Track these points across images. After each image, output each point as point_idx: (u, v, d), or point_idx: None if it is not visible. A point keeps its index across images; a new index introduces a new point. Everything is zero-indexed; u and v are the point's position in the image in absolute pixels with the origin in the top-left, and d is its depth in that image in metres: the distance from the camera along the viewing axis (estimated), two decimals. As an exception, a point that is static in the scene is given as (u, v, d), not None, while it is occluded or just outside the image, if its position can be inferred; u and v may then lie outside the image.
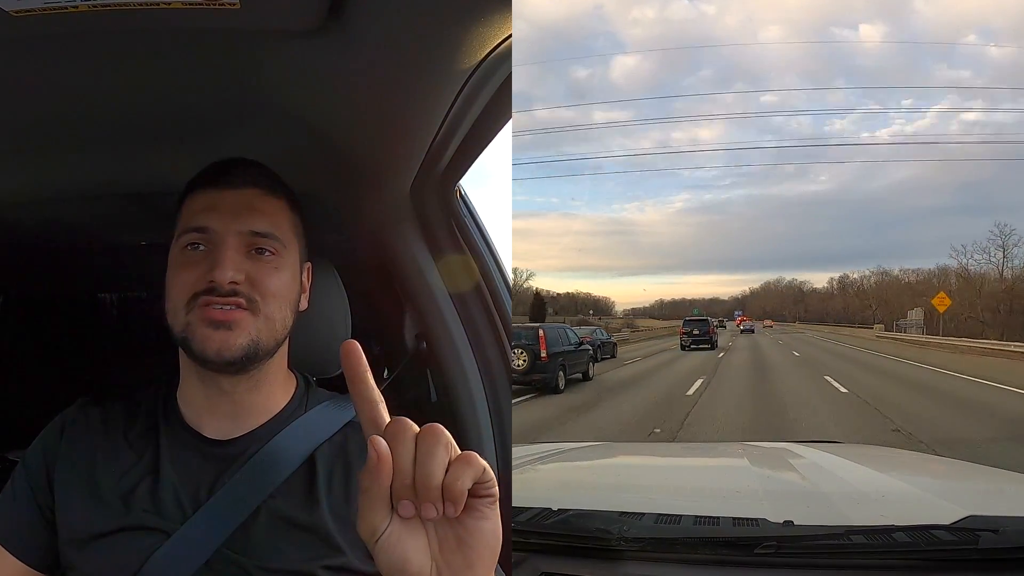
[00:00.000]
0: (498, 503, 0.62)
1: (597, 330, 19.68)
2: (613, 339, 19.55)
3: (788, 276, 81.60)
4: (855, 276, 61.27)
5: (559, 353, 9.25)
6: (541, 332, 8.97)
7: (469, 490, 0.60)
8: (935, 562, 0.79)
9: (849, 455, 1.65)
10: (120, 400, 0.98)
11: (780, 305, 78.32)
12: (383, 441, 0.60)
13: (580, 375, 10.33)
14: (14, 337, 1.83)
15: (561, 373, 9.22)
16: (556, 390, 8.98)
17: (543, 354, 8.77)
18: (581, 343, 10.80)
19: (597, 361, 12.82)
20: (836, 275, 66.82)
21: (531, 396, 8.65)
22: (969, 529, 0.79)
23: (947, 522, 0.81)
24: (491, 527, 0.62)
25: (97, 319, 1.93)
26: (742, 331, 40.63)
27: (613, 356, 17.07)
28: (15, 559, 0.92)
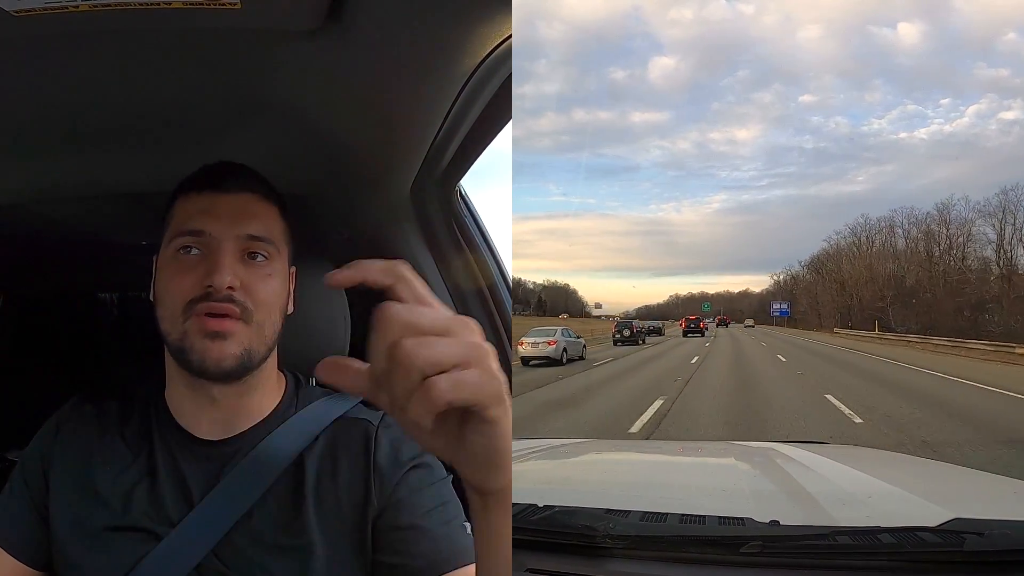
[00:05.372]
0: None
1: (660, 322, 38.36)
2: (663, 326, 39.35)
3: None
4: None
5: (639, 331, 24.77)
6: (635, 323, 25.84)
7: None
8: (920, 564, 0.76)
9: (835, 456, 1.61)
10: (114, 398, 0.95)
11: (859, 299, 36.51)
12: None
13: (642, 341, 24.42)
14: (14, 337, 1.79)
15: (639, 339, 24.08)
16: (637, 343, 23.02)
17: (635, 330, 23.94)
18: (637, 330, 24.75)
19: (659, 336, 32.99)
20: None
21: (631, 345, 22.24)
22: (954, 531, 0.76)
23: (933, 524, 0.77)
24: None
25: (97, 319, 1.89)
26: (717, 325, 48.83)
27: (662, 334, 34.95)
28: (12, 558, 0.89)
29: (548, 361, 13.68)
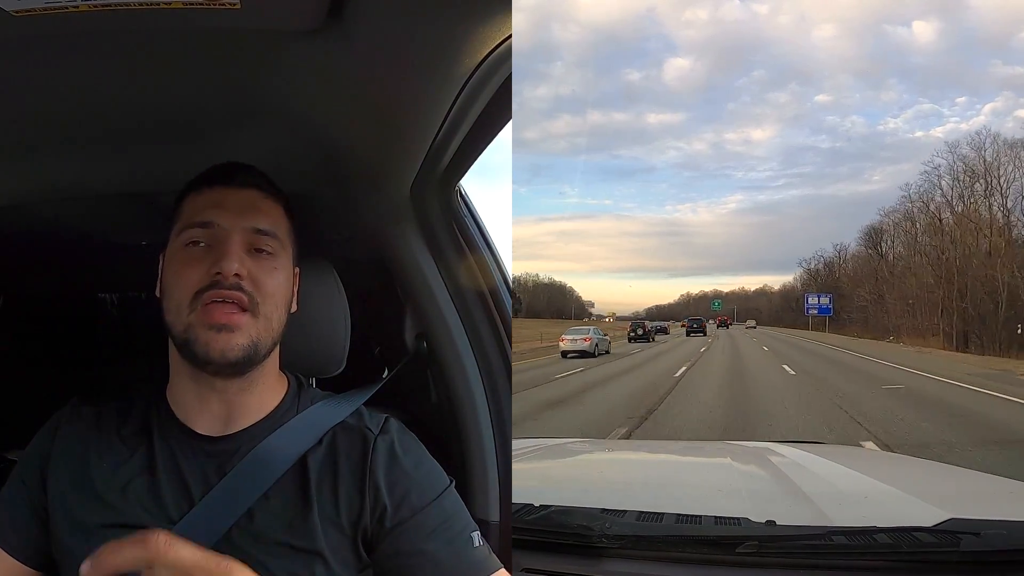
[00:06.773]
0: None
1: (666, 323, 44.43)
2: (668, 327, 46.47)
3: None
4: None
5: (649, 330, 31.03)
6: (646, 323, 33.77)
7: None
8: (916, 564, 0.76)
9: (832, 456, 1.60)
10: (113, 399, 0.94)
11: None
12: None
13: (652, 339, 29.33)
14: (14, 337, 1.77)
15: (650, 337, 30.13)
16: (648, 341, 28.19)
17: (647, 330, 30.31)
18: (649, 329, 30.78)
19: (665, 334, 39.57)
20: None
21: (643, 342, 26.97)
22: (951, 532, 0.75)
23: (929, 524, 0.77)
24: None
25: (97, 319, 1.88)
26: (717, 327, 53.44)
27: (667, 332, 40.68)
28: (12, 558, 0.88)
29: (582, 354, 17.67)
